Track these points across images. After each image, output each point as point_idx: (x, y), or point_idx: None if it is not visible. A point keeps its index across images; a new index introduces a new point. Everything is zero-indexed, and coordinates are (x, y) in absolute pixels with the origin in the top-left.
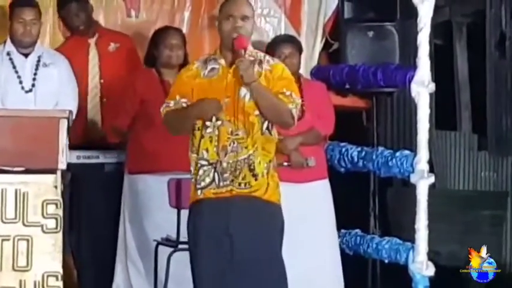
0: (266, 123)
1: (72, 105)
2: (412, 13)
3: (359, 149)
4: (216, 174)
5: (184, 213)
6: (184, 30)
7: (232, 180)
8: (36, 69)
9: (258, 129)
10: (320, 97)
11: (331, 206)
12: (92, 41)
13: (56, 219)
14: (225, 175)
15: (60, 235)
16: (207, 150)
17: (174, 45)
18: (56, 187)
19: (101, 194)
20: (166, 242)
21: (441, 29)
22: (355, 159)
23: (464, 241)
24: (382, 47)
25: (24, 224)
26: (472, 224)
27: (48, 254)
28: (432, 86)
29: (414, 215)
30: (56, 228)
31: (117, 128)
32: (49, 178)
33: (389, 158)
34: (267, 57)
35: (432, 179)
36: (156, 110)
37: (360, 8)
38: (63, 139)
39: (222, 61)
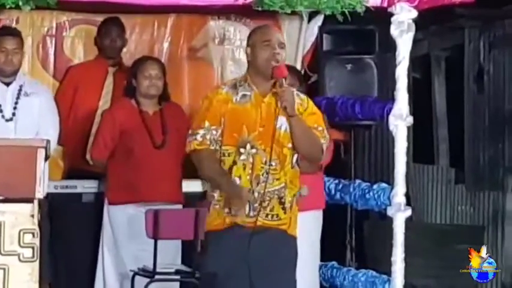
0: (295, 156)
1: (53, 135)
2: (390, 46)
3: (336, 181)
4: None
5: (161, 243)
6: (163, 60)
7: (260, 211)
8: (18, 98)
9: (289, 162)
10: None
11: (318, 237)
12: (111, 70)
13: (33, 248)
14: (255, 205)
15: (36, 264)
16: (239, 178)
17: (153, 75)
18: (32, 216)
19: (78, 223)
20: (143, 272)
21: (419, 63)
22: (333, 192)
23: (440, 275)
24: (360, 80)
25: (0, 253)
26: (448, 257)
27: (25, 283)
28: (410, 119)
29: (391, 247)
30: (33, 257)
31: (96, 159)
32: (26, 207)
33: (366, 191)
34: (295, 89)
35: (409, 212)
36: (134, 141)
37: (338, 41)
38: (41, 168)
39: (255, 88)
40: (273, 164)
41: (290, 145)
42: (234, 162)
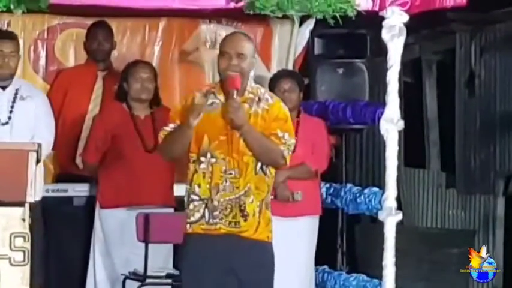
0: (260, 163)
1: (49, 139)
2: (382, 50)
3: (327, 185)
4: (206, 210)
5: (152, 247)
6: (155, 64)
7: (222, 219)
8: (14, 102)
9: (252, 169)
10: (316, 133)
11: (313, 243)
12: (100, 75)
13: (24, 252)
14: (215, 213)
15: (27, 268)
16: (199, 186)
17: (145, 78)
18: (24, 220)
19: (69, 227)
20: (134, 276)
21: (411, 67)
22: (324, 196)
23: (431, 279)
24: (351, 84)
25: None
26: (439, 262)
27: (16, 287)
28: (401, 124)
29: (382, 252)
30: (24, 261)
31: (88, 163)
32: (17, 211)
33: (357, 195)
34: (267, 94)
35: (400, 216)
36: (126, 145)
37: (330, 45)
38: (32, 172)
39: (222, 97)
40: (232, 172)
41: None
42: (195, 171)
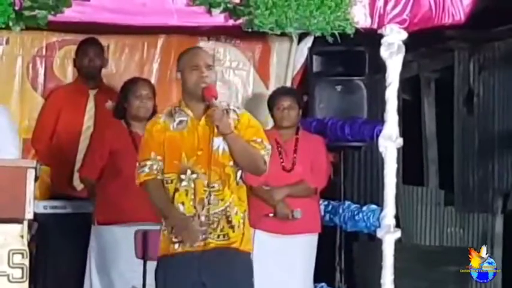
0: (239, 172)
1: (14, 153)
2: (380, 68)
3: (326, 202)
4: None
5: (151, 264)
6: (153, 81)
7: (210, 233)
8: None
9: (233, 179)
10: (315, 150)
11: (312, 260)
12: (91, 93)
13: (22, 268)
14: (203, 228)
15: (26, 285)
16: (183, 204)
17: (144, 96)
18: (22, 237)
19: (67, 244)
20: None
21: (409, 84)
22: (322, 213)
23: None
24: (350, 101)
25: None
26: (437, 280)
27: None
28: (400, 141)
29: (380, 269)
30: (22, 278)
31: (84, 176)
32: (16, 228)
33: (355, 212)
34: (232, 106)
35: (398, 234)
36: (124, 162)
37: (328, 62)
38: (31, 189)
39: (190, 113)
40: (215, 185)
41: (231, 163)
42: (176, 189)
